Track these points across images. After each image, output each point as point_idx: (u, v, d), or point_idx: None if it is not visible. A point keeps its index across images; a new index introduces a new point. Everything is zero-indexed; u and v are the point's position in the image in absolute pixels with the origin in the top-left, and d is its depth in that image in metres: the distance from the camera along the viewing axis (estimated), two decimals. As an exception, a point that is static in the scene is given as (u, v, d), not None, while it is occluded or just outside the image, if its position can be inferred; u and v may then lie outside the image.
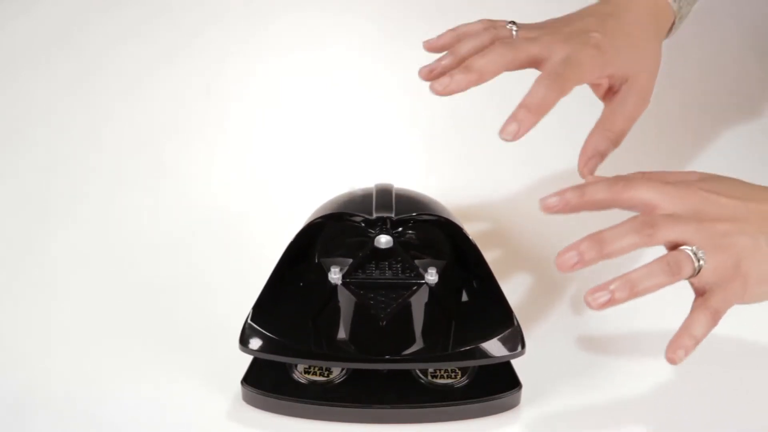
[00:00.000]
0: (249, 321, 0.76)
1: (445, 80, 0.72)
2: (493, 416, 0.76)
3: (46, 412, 0.76)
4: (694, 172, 0.72)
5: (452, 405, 0.75)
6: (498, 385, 0.76)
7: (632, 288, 0.65)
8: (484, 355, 0.74)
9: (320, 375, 0.77)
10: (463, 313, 0.78)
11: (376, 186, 0.83)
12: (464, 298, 0.80)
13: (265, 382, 0.76)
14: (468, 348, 0.75)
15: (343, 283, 0.78)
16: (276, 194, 0.96)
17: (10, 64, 1.12)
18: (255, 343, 0.75)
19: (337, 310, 0.78)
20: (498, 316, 0.77)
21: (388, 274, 0.79)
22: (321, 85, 1.09)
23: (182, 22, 1.15)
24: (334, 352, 0.75)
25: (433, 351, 0.75)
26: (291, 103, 1.08)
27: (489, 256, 0.81)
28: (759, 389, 0.79)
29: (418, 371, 0.77)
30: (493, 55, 0.72)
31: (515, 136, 0.69)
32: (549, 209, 0.68)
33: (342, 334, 0.76)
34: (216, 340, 0.82)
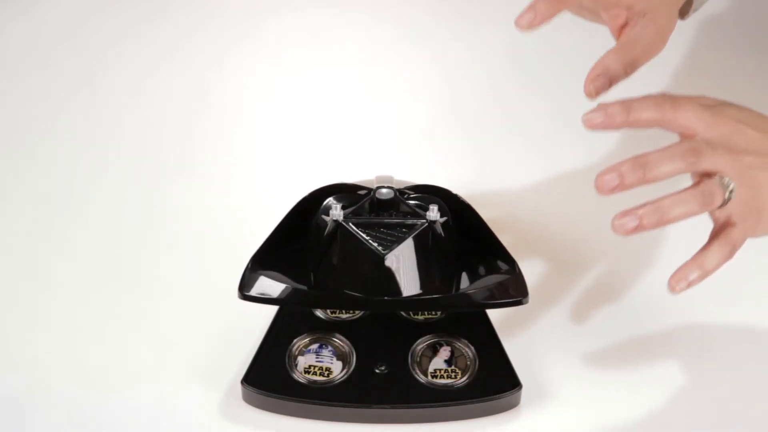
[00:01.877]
0: (248, 269, 0.75)
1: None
2: (493, 416, 0.76)
3: (46, 412, 0.76)
4: (707, 97, 0.71)
5: (452, 405, 0.75)
6: (498, 385, 0.76)
7: (663, 215, 0.64)
8: (487, 299, 0.73)
9: (320, 375, 0.77)
10: (465, 262, 0.78)
11: (377, 176, 0.83)
12: (466, 254, 0.80)
13: (265, 382, 0.76)
14: (470, 292, 0.74)
15: (344, 221, 0.76)
16: (277, 194, 0.95)
17: (10, 64, 1.12)
18: (254, 290, 0.74)
19: (338, 252, 0.77)
20: (501, 265, 0.76)
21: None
22: (321, 83, 1.09)
23: (182, 21, 1.15)
24: (333, 295, 0.75)
25: (435, 294, 0.74)
26: (291, 103, 1.08)
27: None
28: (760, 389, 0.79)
29: (418, 371, 0.77)
30: None
31: (530, 25, 0.68)
32: (592, 125, 0.65)
33: (343, 276, 0.76)
34: (216, 340, 0.82)
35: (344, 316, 0.81)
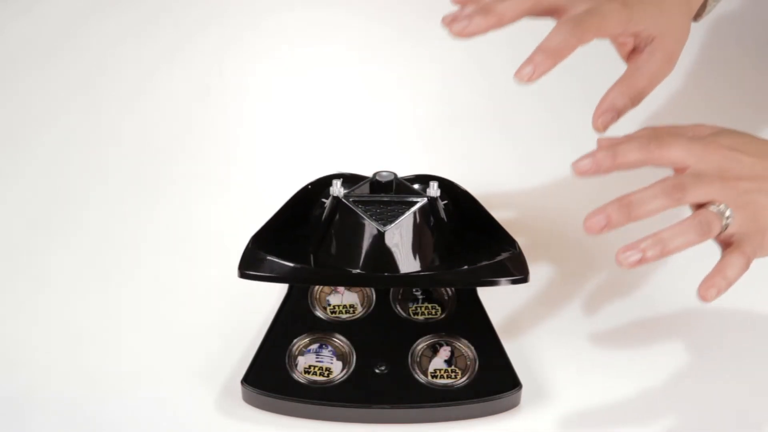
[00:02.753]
0: (248, 248, 0.76)
1: (463, 22, 0.70)
2: (493, 416, 0.76)
3: (46, 412, 0.76)
4: (704, 126, 0.72)
5: (452, 405, 0.75)
6: (498, 385, 0.76)
7: (663, 247, 0.66)
8: (488, 276, 0.74)
9: (320, 375, 0.77)
10: (466, 241, 0.78)
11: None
12: (466, 236, 0.80)
13: (265, 382, 0.76)
14: (471, 268, 0.74)
15: (344, 198, 0.77)
16: (276, 194, 0.95)
17: (10, 64, 1.12)
18: (254, 268, 0.74)
19: (338, 228, 0.77)
20: (502, 245, 0.76)
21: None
22: (321, 83, 1.09)
23: (182, 21, 1.15)
24: (333, 271, 0.75)
25: (435, 270, 0.74)
26: (291, 103, 1.08)
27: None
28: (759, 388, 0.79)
29: (418, 371, 0.77)
30: (513, 1, 0.70)
31: (530, 79, 0.68)
32: (582, 173, 0.67)
33: (342, 253, 0.76)
34: (216, 340, 0.81)
35: (344, 316, 0.81)
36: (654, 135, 0.70)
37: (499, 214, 0.92)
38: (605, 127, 0.72)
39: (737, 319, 0.85)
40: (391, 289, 0.83)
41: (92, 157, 1.01)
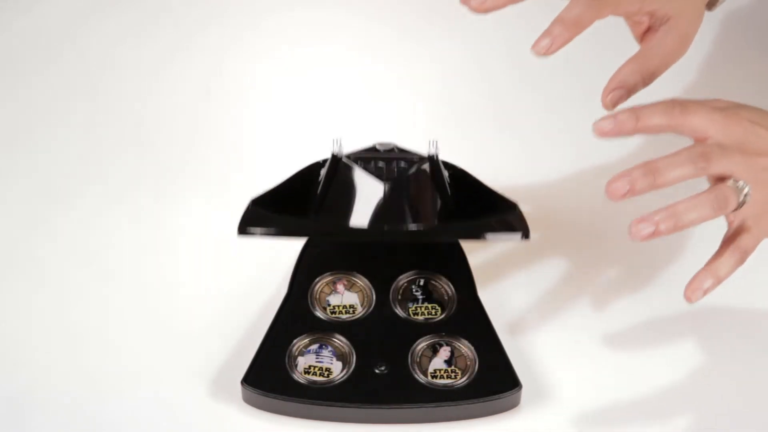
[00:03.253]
0: (248, 209, 0.76)
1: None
2: (493, 416, 0.76)
3: (46, 412, 0.76)
4: (722, 100, 0.71)
5: (452, 405, 0.75)
6: (498, 385, 0.76)
7: (677, 220, 0.64)
8: (489, 230, 0.73)
9: (320, 375, 0.77)
10: (466, 202, 0.78)
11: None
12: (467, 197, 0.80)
13: (265, 382, 0.76)
14: (472, 222, 0.74)
15: (345, 157, 0.76)
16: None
17: (11, 64, 1.12)
18: (254, 225, 0.74)
19: (337, 185, 0.77)
20: (501, 206, 0.77)
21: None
22: (320, 83, 1.10)
23: (182, 21, 1.15)
24: (333, 224, 0.75)
25: (434, 225, 0.74)
26: (291, 103, 1.08)
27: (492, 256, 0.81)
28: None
29: (418, 371, 0.77)
30: None
31: (547, 51, 0.68)
32: (603, 133, 0.66)
33: (342, 208, 0.76)
34: (216, 340, 0.81)
35: (344, 316, 0.81)
36: (678, 102, 0.68)
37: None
38: (614, 105, 0.72)
39: (736, 320, 0.85)
40: (391, 289, 0.83)
41: (93, 156, 1.01)
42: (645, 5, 0.72)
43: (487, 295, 0.83)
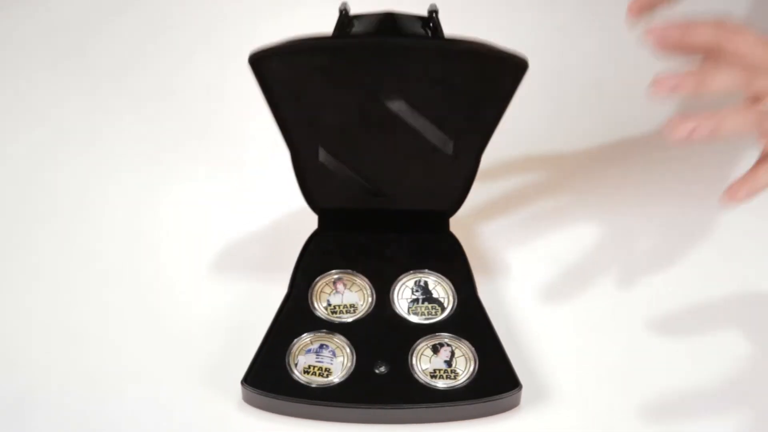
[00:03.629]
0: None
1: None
2: (493, 416, 0.76)
3: (46, 412, 0.76)
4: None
5: (452, 405, 0.75)
6: (498, 385, 0.76)
7: (718, 123, 0.64)
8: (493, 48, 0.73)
9: (320, 375, 0.77)
10: None
11: None
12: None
13: (265, 382, 0.76)
14: (479, 40, 0.73)
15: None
16: (276, 194, 0.95)
17: (13, 64, 1.12)
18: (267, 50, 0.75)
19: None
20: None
21: None
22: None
23: (182, 21, 1.15)
24: (348, 38, 0.76)
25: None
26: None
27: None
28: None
29: (418, 373, 0.77)
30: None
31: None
32: (652, 40, 0.65)
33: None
34: (216, 340, 0.82)
35: (344, 316, 0.81)
36: (726, 23, 0.67)
37: (499, 215, 0.92)
38: (639, 12, 0.69)
39: (736, 320, 0.85)
40: (391, 289, 0.83)
41: (93, 156, 1.01)
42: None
43: (487, 295, 0.83)
